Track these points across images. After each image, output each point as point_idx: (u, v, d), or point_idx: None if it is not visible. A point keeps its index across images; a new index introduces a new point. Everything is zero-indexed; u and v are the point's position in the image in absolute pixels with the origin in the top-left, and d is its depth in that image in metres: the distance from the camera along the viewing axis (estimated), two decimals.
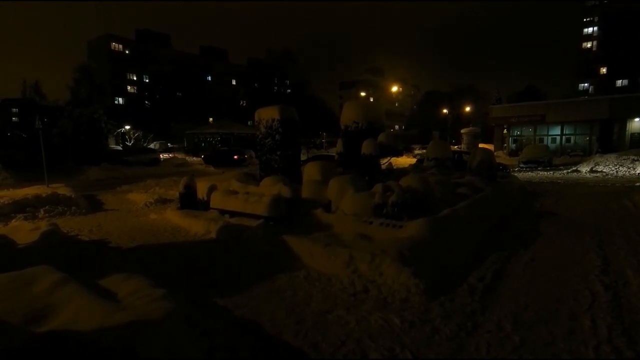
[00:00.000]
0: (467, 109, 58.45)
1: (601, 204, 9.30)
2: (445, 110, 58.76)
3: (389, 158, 10.06)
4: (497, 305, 3.68)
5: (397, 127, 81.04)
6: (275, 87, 77.81)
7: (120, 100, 62.38)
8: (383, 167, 10.02)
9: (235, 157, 25.78)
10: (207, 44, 74.37)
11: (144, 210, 9.29)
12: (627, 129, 30.27)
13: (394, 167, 13.56)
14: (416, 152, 32.02)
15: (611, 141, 29.36)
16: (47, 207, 8.90)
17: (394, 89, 63.12)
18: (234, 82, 75.51)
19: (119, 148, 38.78)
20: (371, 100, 73.12)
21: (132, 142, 42.79)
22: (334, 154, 10.75)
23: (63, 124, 24.76)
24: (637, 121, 29.95)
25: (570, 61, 62.46)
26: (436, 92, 78.33)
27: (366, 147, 8.89)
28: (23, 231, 6.15)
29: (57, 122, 25.25)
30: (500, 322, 3.33)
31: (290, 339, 3.12)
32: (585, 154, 26.06)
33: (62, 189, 11.51)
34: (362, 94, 65.39)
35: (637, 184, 12.72)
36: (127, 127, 44.30)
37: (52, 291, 3.11)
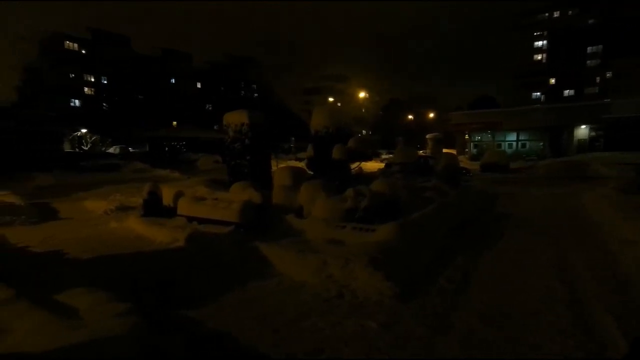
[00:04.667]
0: (431, 115, 60.64)
1: (553, 205, 9.91)
2: (410, 117, 60.57)
3: (358, 163, 10.18)
4: (466, 305, 3.79)
5: (364, 132, 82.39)
6: (242, 92, 76.83)
7: (77, 102, 58.87)
8: (353, 171, 10.13)
9: None
10: (168, 48, 71.86)
11: (103, 219, 8.77)
12: (574, 135, 32.70)
13: (363, 172, 13.74)
14: (383, 156, 32.65)
15: (561, 147, 31.57)
16: None
17: (362, 94, 64.23)
18: (199, 86, 73.70)
19: (76, 151, 36.62)
20: (339, 105, 73.88)
21: (89, 146, 40.54)
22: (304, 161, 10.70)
23: (7, 127, 22.89)
24: (583, 128, 32.42)
25: (522, 72, 66.55)
26: (399, 99, 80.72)
27: (337, 152, 8.94)
28: None
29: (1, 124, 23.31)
30: (470, 321, 3.43)
31: (265, 350, 3.03)
32: (539, 159, 27.76)
33: (10, 197, 10.64)
34: (331, 99, 65.99)
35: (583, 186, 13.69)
36: (84, 130, 41.98)
37: (1, 309, 2.85)
